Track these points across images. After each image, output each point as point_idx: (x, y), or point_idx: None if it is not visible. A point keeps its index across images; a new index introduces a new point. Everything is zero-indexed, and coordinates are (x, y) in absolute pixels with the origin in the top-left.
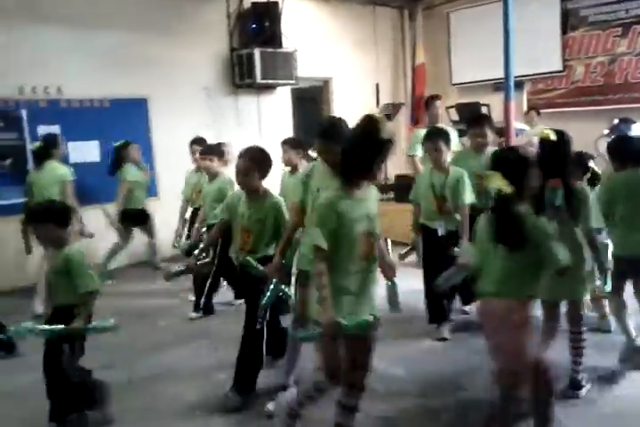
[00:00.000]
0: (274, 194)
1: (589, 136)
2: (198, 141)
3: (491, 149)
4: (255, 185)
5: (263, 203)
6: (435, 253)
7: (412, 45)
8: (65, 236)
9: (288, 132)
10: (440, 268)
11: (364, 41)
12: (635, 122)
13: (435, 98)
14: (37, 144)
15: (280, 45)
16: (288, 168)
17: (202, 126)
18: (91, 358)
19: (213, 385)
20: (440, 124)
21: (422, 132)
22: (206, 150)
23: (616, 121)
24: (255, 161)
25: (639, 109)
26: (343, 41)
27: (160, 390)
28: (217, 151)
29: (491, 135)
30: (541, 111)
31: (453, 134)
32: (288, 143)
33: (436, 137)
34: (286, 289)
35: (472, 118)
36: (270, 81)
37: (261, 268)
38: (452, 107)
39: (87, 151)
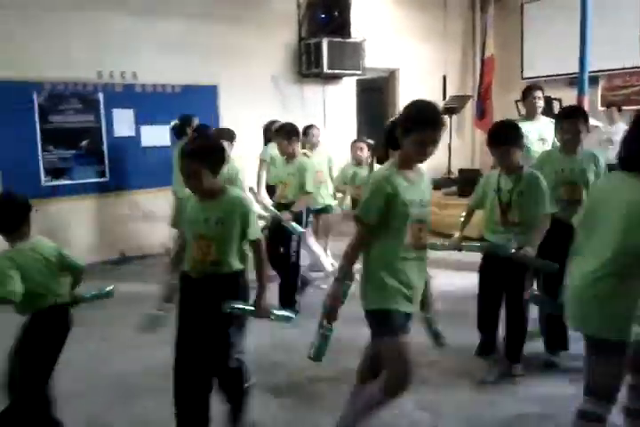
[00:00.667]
0: (233, 190)
1: None
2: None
3: (585, 151)
4: (208, 186)
5: (221, 201)
6: (494, 277)
7: (482, 38)
8: (9, 239)
9: (352, 122)
10: (497, 298)
11: (433, 32)
12: None
13: (534, 88)
14: (175, 122)
15: (349, 35)
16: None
17: (268, 114)
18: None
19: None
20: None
21: (523, 124)
22: (217, 135)
23: None
24: (203, 160)
25: None
26: (411, 32)
27: None
28: (227, 135)
29: (585, 132)
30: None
31: (549, 128)
32: (281, 135)
33: (501, 136)
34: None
35: (562, 111)
36: (337, 71)
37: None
38: (520, 100)
39: (158, 135)
